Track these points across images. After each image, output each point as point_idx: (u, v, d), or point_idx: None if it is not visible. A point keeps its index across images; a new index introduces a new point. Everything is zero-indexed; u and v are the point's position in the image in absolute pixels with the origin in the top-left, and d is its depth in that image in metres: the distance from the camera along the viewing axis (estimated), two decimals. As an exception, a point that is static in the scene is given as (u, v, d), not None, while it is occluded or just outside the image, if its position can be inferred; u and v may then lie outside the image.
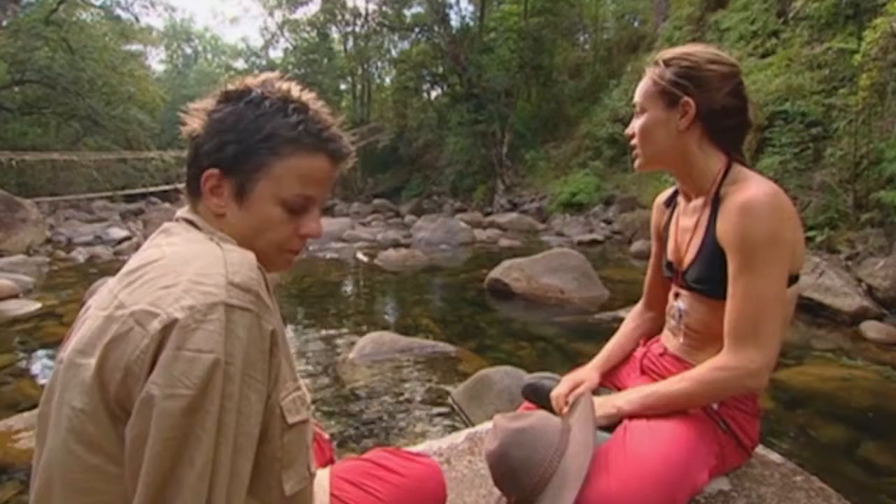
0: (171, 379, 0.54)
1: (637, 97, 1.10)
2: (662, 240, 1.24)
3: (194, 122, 0.71)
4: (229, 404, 0.56)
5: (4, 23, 16.63)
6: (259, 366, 0.60)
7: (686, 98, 1.02)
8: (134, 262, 0.65)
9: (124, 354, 0.56)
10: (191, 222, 0.71)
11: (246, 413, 0.58)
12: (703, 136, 1.05)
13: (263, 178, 0.69)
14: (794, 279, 1.00)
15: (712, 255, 1.01)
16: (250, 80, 0.72)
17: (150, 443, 0.53)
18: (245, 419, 0.58)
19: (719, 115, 1.03)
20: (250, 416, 0.59)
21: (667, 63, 1.05)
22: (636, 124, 1.09)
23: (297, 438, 0.68)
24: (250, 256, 0.64)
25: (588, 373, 1.22)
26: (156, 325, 0.56)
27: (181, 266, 0.61)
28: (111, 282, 0.66)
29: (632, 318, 1.34)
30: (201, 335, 0.55)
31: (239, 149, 0.69)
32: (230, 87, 0.72)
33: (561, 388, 1.17)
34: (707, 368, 0.97)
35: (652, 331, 1.30)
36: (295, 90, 0.73)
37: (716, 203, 1.02)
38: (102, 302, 0.63)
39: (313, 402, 2.51)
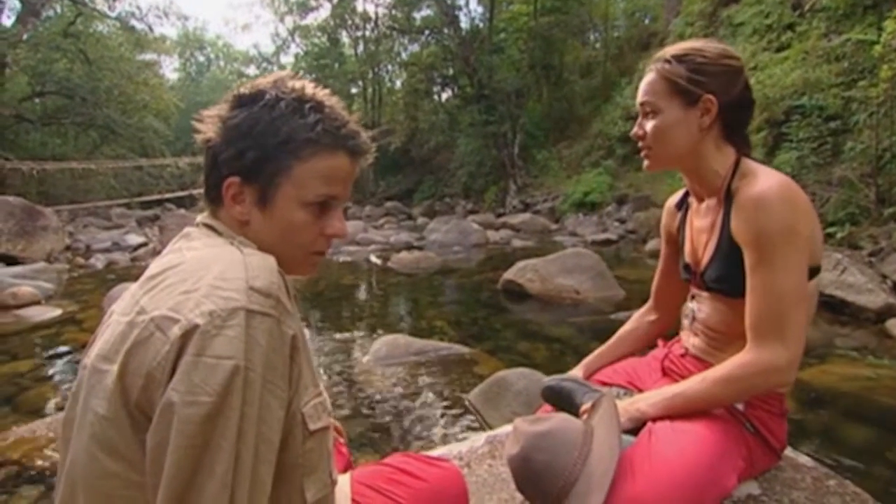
0: (191, 385, 0.53)
1: (645, 96, 1.04)
2: (676, 243, 1.22)
3: (209, 130, 0.70)
4: (250, 411, 0.55)
5: (25, 36, 17.02)
6: (280, 372, 0.59)
7: (707, 95, 0.99)
8: (155, 267, 0.66)
9: (145, 360, 0.56)
10: (211, 227, 0.71)
11: (267, 420, 0.58)
12: (720, 133, 1.03)
13: (285, 182, 0.68)
14: (815, 272, 0.98)
15: (729, 253, 0.99)
16: (262, 81, 0.71)
17: (170, 450, 0.53)
18: (266, 426, 0.57)
19: (737, 110, 1.02)
20: (271, 423, 0.58)
21: (678, 59, 1.01)
22: (648, 125, 1.05)
23: (319, 445, 0.68)
24: (270, 260, 0.64)
25: (571, 373, 1.24)
26: (176, 330, 0.55)
27: (201, 271, 0.60)
28: (133, 287, 0.66)
29: (632, 319, 1.35)
30: (221, 341, 0.55)
31: (258, 155, 0.67)
32: (243, 90, 0.71)
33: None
34: (731, 366, 0.95)
35: (650, 333, 1.31)
36: (309, 88, 0.71)
37: (728, 200, 1.00)
38: (125, 307, 0.63)
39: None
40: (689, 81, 1.00)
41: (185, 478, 0.53)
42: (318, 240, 0.73)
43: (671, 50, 1.04)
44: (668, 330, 1.32)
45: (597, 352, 1.32)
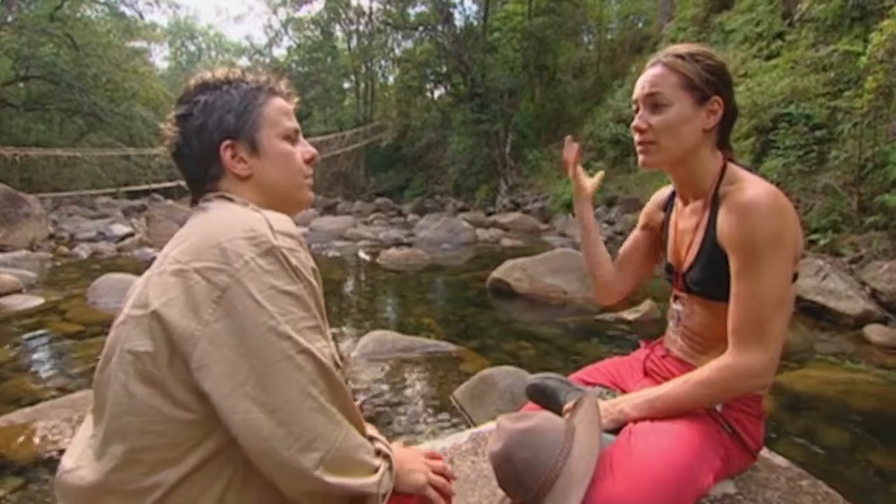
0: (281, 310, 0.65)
1: (654, 87, 1.01)
2: (654, 231, 1.24)
3: (169, 131, 0.81)
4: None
5: (10, 18, 16.66)
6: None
7: (716, 97, 1.01)
8: (182, 231, 0.75)
9: (189, 302, 0.63)
10: (224, 197, 0.78)
11: None
12: (715, 138, 1.05)
13: (263, 125, 0.82)
14: (793, 278, 1.00)
15: (713, 257, 1.00)
16: (198, 77, 0.84)
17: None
18: None
19: (731, 118, 1.04)
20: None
21: (692, 57, 1.01)
22: (653, 118, 1.03)
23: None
24: (284, 216, 0.74)
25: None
26: (224, 278, 0.63)
27: (231, 225, 0.68)
28: (164, 248, 0.74)
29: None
30: (273, 273, 0.65)
31: (235, 114, 0.80)
32: (193, 83, 0.83)
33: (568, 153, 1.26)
34: (712, 369, 0.97)
35: (610, 277, 1.28)
36: (227, 70, 0.85)
37: (714, 204, 1.02)
38: (155, 264, 0.71)
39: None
40: (703, 80, 1.00)
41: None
42: (303, 166, 0.87)
43: (681, 48, 1.03)
44: (623, 287, 1.29)
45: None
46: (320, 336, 0.68)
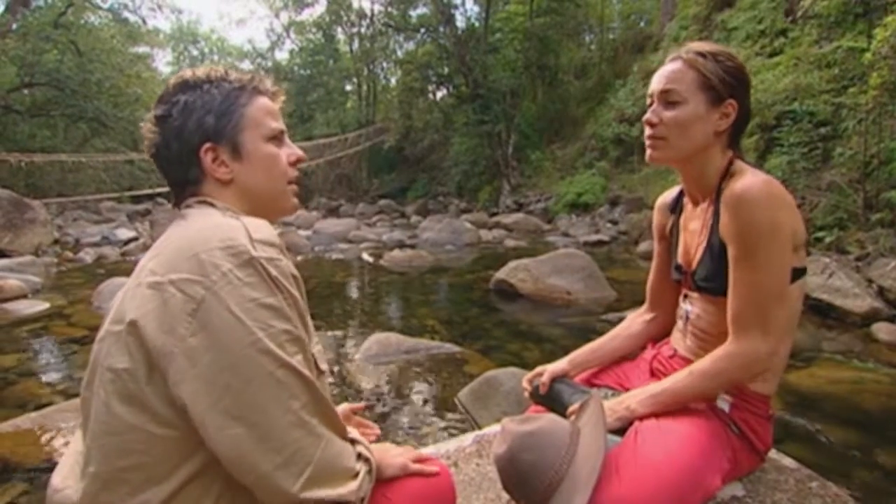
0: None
1: (672, 84, 1.00)
2: (669, 242, 1.22)
3: (148, 132, 0.77)
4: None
5: (14, 26, 16.76)
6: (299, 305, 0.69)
7: (731, 100, 0.99)
8: (160, 241, 0.73)
9: (166, 316, 0.61)
10: (205, 202, 0.76)
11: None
12: (727, 139, 1.03)
13: (246, 126, 0.78)
14: (800, 273, 0.98)
15: (717, 252, 1.00)
16: (179, 76, 0.80)
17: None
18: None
19: (745, 120, 1.03)
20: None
21: (713, 56, 0.99)
22: (666, 113, 1.01)
23: (323, 387, 0.72)
24: (264, 221, 0.71)
25: (557, 364, 1.25)
26: (199, 290, 0.61)
27: (208, 235, 0.66)
28: (142, 260, 0.72)
29: (628, 318, 1.33)
30: (251, 286, 0.63)
31: (216, 115, 0.77)
32: (173, 82, 0.79)
33: (528, 375, 1.25)
34: (713, 359, 0.97)
35: (645, 332, 1.28)
36: (209, 69, 0.81)
37: (718, 200, 1.01)
38: (133, 276, 0.70)
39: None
40: (720, 81, 0.98)
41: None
42: (288, 169, 0.83)
43: (703, 45, 1.02)
44: (666, 330, 1.27)
45: (588, 346, 1.29)
46: (300, 348, 0.66)
